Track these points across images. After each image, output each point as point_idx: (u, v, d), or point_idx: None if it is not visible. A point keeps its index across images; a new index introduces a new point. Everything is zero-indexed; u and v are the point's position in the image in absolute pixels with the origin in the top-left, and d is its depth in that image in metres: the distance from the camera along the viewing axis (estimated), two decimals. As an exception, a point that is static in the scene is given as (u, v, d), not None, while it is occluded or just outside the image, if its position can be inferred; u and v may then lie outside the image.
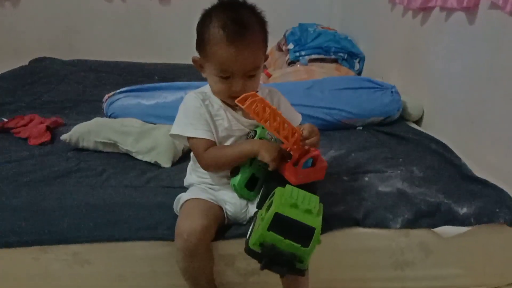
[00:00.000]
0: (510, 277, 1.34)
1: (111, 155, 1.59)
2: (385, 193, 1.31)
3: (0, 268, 1.21)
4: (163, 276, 1.24)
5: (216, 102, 1.16)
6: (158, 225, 1.20)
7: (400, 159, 1.53)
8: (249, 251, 0.96)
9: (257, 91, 1.10)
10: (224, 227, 1.20)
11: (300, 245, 0.90)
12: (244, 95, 1.00)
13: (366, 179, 1.39)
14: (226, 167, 1.16)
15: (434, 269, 1.29)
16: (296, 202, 0.92)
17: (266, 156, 1.06)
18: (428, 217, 1.24)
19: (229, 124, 1.15)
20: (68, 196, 1.30)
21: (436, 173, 1.43)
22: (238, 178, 1.13)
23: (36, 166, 1.49)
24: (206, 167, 1.16)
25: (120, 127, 1.60)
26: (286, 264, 0.92)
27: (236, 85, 1.08)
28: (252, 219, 1.09)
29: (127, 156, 1.58)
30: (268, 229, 0.90)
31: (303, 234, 0.90)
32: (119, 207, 1.25)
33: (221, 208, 1.18)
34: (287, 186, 1.00)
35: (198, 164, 1.18)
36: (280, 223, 0.90)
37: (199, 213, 1.10)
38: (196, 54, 1.14)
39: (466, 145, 1.58)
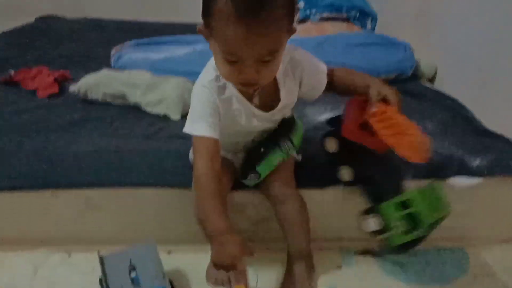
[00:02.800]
0: (520, 231, 1.33)
1: (120, 107, 1.57)
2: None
3: (11, 212, 1.22)
4: (174, 223, 1.24)
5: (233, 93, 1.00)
6: (170, 172, 1.20)
7: (414, 114, 1.50)
8: (388, 249, 1.09)
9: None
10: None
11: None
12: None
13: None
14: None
15: (445, 221, 1.29)
16: (434, 207, 1.00)
17: (215, 258, 0.89)
18: (440, 168, 1.23)
19: (246, 120, 1.03)
20: (78, 143, 1.30)
21: (449, 128, 1.41)
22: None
23: (44, 116, 1.49)
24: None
25: (128, 79, 1.58)
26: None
27: (246, 71, 0.86)
28: None
29: (136, 108, 1.56)
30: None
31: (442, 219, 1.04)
32: (130, 154, 1.25)
33: (233, 163, 1.18)
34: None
35: None
36: (430, 227, 1.02)
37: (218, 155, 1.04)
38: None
39: (478, 106, 1.55)
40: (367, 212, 1.08)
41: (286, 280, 1.15)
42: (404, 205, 1.01)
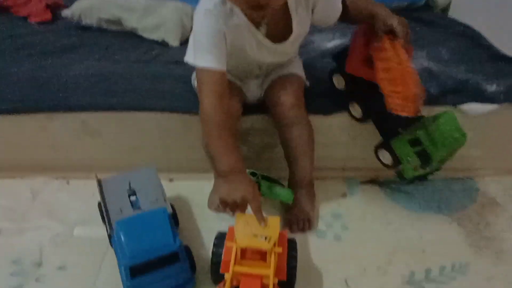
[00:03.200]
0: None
1: (116, 33, 1.50)
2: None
3: (7, 137, 1.18)
4: (175, 150, 1.20)
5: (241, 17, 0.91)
6: (170, 95, 1.14)
7: (427, 41, 1.42)
8: (404, 179, 1.06)
9: None
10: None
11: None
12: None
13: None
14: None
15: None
16: (445, 141, 0.96)
17: (225, 195, 0.86)
18: (454, 93, 1.17)
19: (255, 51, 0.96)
20: (73, 68, 1.25)
21: (464, 54, 1.34)
22: None
23: (38, 41, 1.43)
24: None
25: (124, 3, 1.49)
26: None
27: None
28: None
29: (133, 34, 1.48)
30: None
31: (455, 152, 1.01)
32: (128, 77, 1.19)
33: (241, 89, 1.11)
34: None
35: None
36: (441, 160, 1.00)
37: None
38: None
39: (495, 36, 1.46)
40: (380, 146, 1.06)
41: (287, 208, 1.12)
42: (415, 141, 0.98)
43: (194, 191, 1.19)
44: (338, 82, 1.14)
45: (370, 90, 1.03)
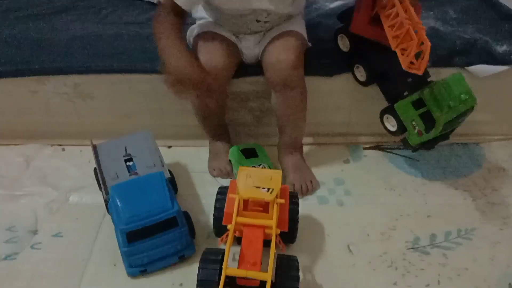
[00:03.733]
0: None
1: (109, -5, 1.43)
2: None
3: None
4: (171, 115, 1.16)
5: None
6: (164, 57, 1.09)
7: (434, 1, 1.36)
8: (410, 146, 1.02)
9: None
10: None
11: (462, 119, 0.97)
12: None
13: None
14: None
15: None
16: (451, 102, 0.91)
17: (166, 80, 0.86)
18: (462, 54, 1.12)
19: None
20: (65, 30, 1.20)
21: (473, 14, 1.28)
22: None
23: (29, 3, 1.35)
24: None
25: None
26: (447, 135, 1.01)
27: None
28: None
29: (127, -4, 1.42)
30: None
31: (463, 115, 0.96)
32: (123, 40, 1.15)
33: (236, 46, 1.06)
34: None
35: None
36: (447, 124, 0.94)
37: (221, 49, 0.99)
38: None
39: None
40: (385, 111, 1.03)
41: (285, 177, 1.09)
42: (419, 103, 0.95)
43: (193, 157, 1.16)
44: (343, 43, 1.09)
45: (376, 51, 0.99)
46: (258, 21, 1.02)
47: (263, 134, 1.21)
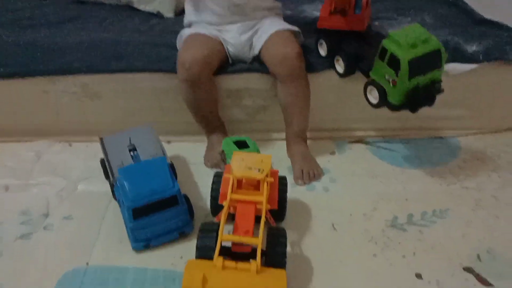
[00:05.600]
0: None
1: (112, 6, 1.55)
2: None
3: (11, 101, 1.24)
4: (171, 112, 1.26)
5: None
6: (166, 59, 1.20)
7: (411, 10, 1.47)
8: (394, 107, 1.03)
9: None
10: (229, 65, 1.21)
11: (436, 70, 0.99)
12: None
13: (376, 23, 1.36)
14: None
15: (438, 110, 1.28)
16: (410, 40, 0.95)
17: None
18: (436, 54, 1.22)
19: None
20: (72, 36, 1.31)
21: (447, 20, 1.39)
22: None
23: (38, 14, 1.48)
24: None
25: (119, -25, 1.53)
26: (428, 93, 1.02)
27: None
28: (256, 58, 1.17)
29: (128, 7, 1.53)
30: (409, 79, 0.96)
31: (431, 60, 0.98)
32: (126, 44, 1.26)
33: (222, 44, 1.17)
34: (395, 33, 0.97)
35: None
36: (413, 67, 0.95)
37: (200, 44, 1.12)
38: None
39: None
40: (366, 84, 1.09)
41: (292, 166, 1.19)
42: (383, 53, 0.99)
43: (191, 151, 1.26)
44: (323, 48, 1.20)
45: (347, 41, 1.13)
46: (236, 5, 1.15)
47: (256, 130, 1.29)
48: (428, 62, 0.97)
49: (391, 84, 0.99)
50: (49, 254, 0.95)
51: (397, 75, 0.96)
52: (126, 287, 0.87)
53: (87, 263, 0.93)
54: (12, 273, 0.91)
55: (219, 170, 1.16)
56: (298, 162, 1.18)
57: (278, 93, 1.16)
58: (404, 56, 0.94)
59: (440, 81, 1.02)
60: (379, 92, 1.04)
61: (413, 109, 1.03)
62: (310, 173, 1.16)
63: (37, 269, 0.92)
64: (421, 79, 0.98)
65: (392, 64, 0.97)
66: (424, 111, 1.28)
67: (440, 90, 1.03)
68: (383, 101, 1.04)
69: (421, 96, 1.00)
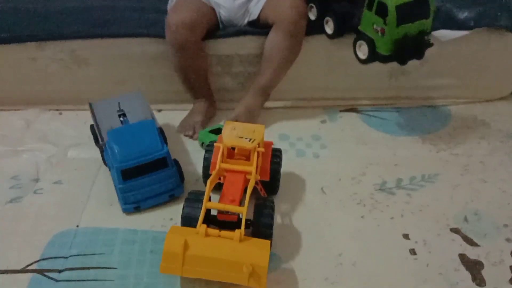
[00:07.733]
0: (503, 90, 1.36)
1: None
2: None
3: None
4: (161, 80, 1.26)
5: None
6: (155, 24, 1.19)
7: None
8: (384, 58, 1.02)
9: None
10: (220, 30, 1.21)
11: (424, 19, 0.98)
12: None
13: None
14: None
15: (429, 79, 1.31)
16: None
17: None
18: (427, 21, 1.22)
19: None
20: (60, 0, 1.29)
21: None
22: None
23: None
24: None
25: None
26: (416, 45, 1.00)
27: None
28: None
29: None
30: (397, 26, 0.95)
31: (419, 8, 0.97)
32: (115, 9, 1.25)
33: (213, 10, 1.16)
34: None
35: None
36: (401, 13, 0.94)
37: (189, 7, 1.11)
38: None
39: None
40: (355, 39, 1.08)
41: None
42: (371, 4, 0.99)
43: (181, 118, 1.25)
44: (312, 13, 1.19)
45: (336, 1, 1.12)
46: None
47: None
48: (416, 10, 0.97)
49: (380, 33, 0.98)
50: (40, 217, 0.95)
51: (385, 23, 0.96)
52: (115, 247, 0.88)
53: (77, 225, 0.93)
54: (2, 235, 0.91)
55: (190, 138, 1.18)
56: (239, 109, 1.17)
57: (266, 41, 1.15)
58: (391, 2, 0.93)
59: (429, 32, 1.02)
60: (367, 44, 1.03)
61: (402, 61, 1.02)
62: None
63: (27, 231, 0.92)
64: (409, 28, 0.97)
65: (380, 11, 0.97)
66: (415, 79, 1.31)
67: (429, 44, 1.02)
68: (372, 53, 1.03)
69: (410, 47, 0.99)
